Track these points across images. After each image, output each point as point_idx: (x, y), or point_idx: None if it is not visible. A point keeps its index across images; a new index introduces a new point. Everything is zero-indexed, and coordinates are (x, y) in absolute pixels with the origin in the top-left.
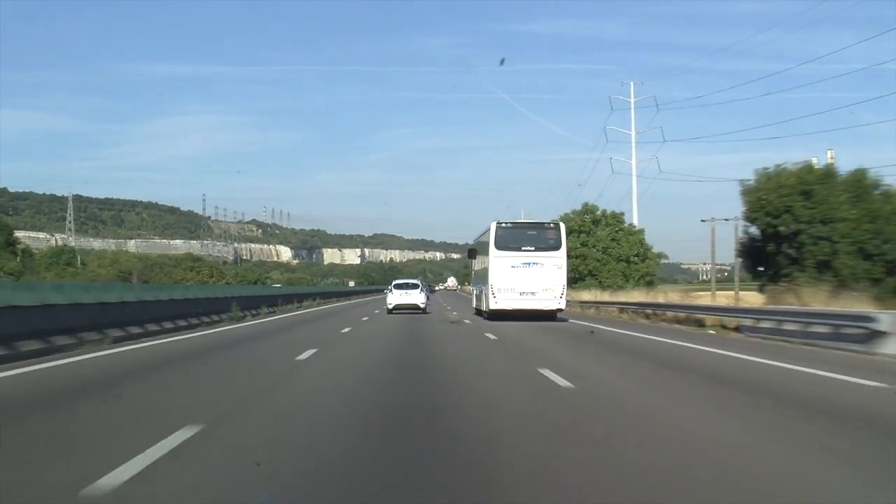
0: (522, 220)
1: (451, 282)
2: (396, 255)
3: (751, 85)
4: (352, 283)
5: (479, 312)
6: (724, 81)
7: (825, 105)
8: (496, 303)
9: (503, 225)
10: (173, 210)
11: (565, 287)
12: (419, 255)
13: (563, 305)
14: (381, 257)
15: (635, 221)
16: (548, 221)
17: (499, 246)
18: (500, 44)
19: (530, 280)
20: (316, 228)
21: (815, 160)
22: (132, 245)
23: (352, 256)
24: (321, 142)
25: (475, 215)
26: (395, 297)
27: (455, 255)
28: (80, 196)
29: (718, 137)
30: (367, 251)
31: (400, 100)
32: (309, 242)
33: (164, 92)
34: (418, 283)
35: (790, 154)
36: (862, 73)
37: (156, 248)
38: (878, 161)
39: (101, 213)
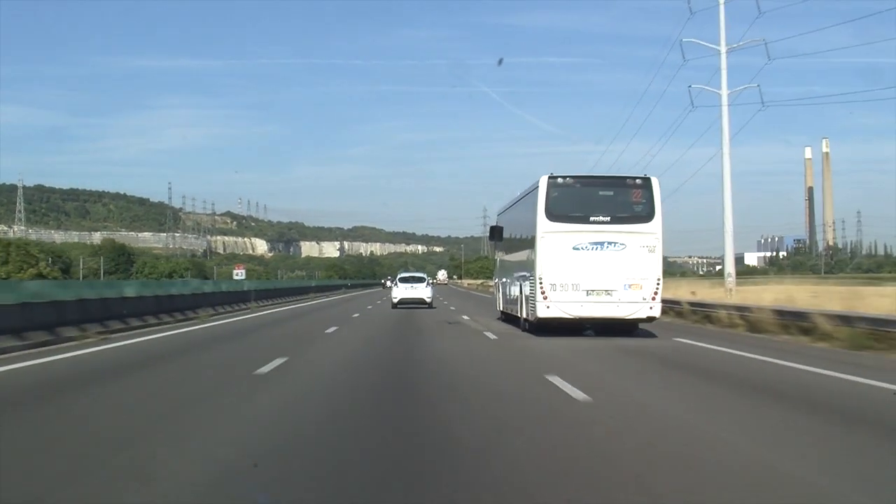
0: (591, 174)
1: (442, 275)
2: (377, 249)
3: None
4: (239, 273)
5: (508, 319)
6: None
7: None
8: (547, 307)
9: (560, 181)
10: (143, 201)
11: (660, 281)
12: (400, 248)
13: (656, 312)
14: (362, 250)
15: (725, 174)
16: (630, 175)
17: (553, 215)
18: (484, 37)
19: (604, 270)
20: (294, 221)
21: (808, 150)
22: (97, 238)
23: (330, 249)
24: (302, 135)
25: (458, 209)
26: (400, 291)
27: (437, 248)
28: (43, 186)
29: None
30: (346, 244)
31: (382, 93)
32: (286, 235)
33: (144, 86)
34: (424, 276)
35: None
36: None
37: (123, 241)
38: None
39: (64, 204)
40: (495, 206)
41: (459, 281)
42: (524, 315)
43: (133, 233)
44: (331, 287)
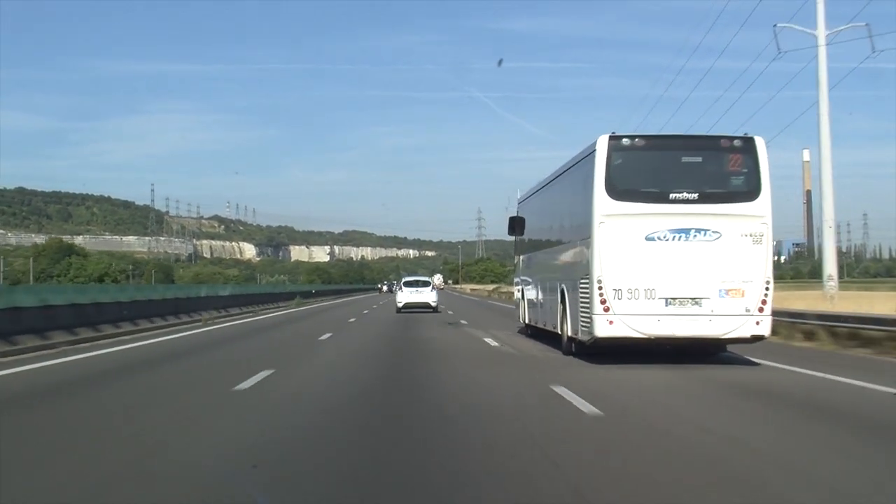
0: (670, 134)
1: (437, 279)
2: (368, 253)
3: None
4: None
5: (536, 335)
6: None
7: None
8: (609, 323)
9: (625, 142)
10: (127, 205)
11: (770, 285)
12: (391, 252)
13: (765, 329)
14: (352, 255)
15: (823, 139)
16: (726, 135)
17: (617, 191)
18: (477, 42)
19: (690, 270)
20: (284, 225)
21: (806, 152)
22: (79, 241)
23: (321, 254)
24: (294, 140)
25: (450, 213)
26: (405, 295)
27: (429, 253)
28: (24, 189)
29: None
30: (336, 248)
31: (374, 98)
32: (275, 239)
33: (135, 90)
34: (429, 280)
35: None
36: None
37: (107, 244)
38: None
39: (46, 207)
40: (489, 209)
41: (458, 286)
42: (569, 332)
43: (117, 236)
44: (268, 297)
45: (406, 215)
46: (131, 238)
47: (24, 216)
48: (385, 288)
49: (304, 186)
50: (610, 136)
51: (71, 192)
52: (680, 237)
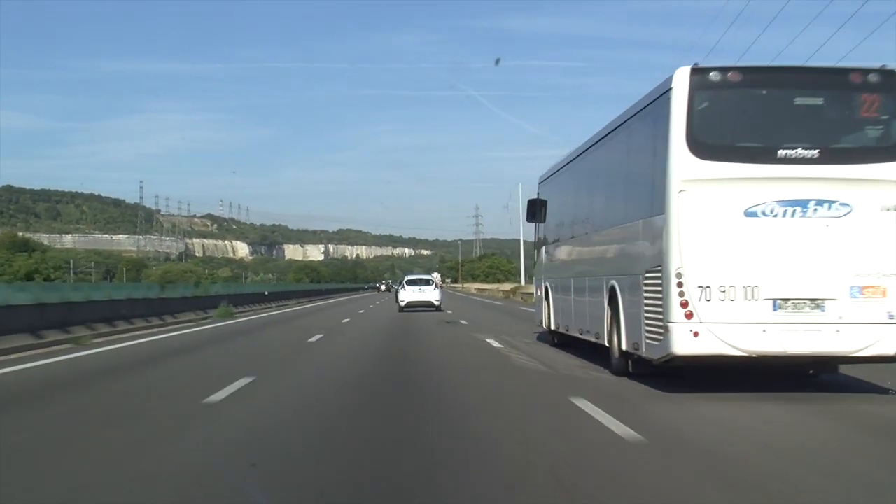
0: (774, 65)
1: (436, 278)
2: (363, 252)
3: None
4: None
5: (564, 343)
6: None
7: None
8: (694, 334)
9: (713, 77)
10: (118, 203)
11: None
12: (387, 251)
13: None
14: (347, 253)
15: None
16: (854, 66)
17: (704, 147)
18: (473, 41)
19: (808, 258)
20: (278, 224)
21: None
22: (69, 240)
23: (315, 253)
24: (289, 139)
25: (446, 212)
26: (407, 294)
27: (425, 251)
28: (12, 186)
29: None
30: (331, 247)
31: (370, 97)
32: (269, 238)
33: (130, 90)
34: (431, 279)
35: None
36: None
37: (96, 243)
38: None
39: (34, 206)
40: (486, 208)
41: (457, 285)
42: (623, 345)
43: (107, 235)
44: (146, 306)
45: (402, 214)
46: (122, 237)
47: (10, 214)
48: (384, 287)
49: (299, 185)
50: (692, 69)
51: (60, 189)
52: (794, 212)
